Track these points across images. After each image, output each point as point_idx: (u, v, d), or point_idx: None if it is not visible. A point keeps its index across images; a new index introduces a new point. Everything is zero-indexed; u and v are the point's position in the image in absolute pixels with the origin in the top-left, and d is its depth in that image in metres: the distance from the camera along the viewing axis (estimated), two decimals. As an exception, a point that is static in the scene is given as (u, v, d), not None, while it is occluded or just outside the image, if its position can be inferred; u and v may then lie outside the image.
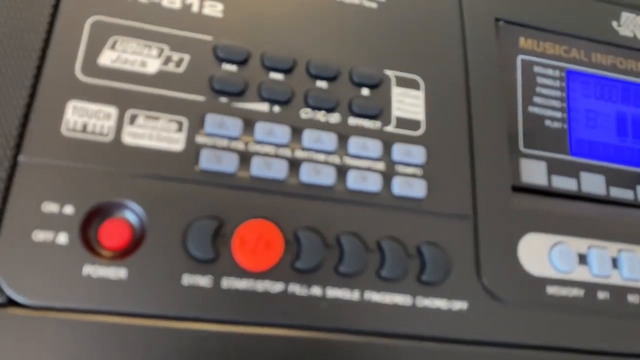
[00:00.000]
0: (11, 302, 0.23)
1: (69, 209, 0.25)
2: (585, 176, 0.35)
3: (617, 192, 0.35)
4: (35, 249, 0.24)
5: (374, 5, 0.34)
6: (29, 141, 0.25)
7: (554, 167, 0.34)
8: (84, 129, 0.26)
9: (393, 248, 0.28)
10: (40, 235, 0.24)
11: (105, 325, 0.24)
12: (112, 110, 0.27)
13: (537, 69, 0.36)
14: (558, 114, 0.35)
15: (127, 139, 0.27)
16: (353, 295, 0.27)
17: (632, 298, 0.31)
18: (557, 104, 0.36)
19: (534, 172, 0.34)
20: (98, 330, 0.24)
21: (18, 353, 0.23)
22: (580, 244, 0.31)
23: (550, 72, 0.36)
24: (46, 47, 0.27)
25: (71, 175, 0.25)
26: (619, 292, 0.31)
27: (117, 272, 0.24)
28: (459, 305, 0.28)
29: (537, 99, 0.36)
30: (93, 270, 0.24)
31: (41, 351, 0.23)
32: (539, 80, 0.36)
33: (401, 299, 0.27)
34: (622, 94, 0.38)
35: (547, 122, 0.35)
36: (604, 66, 0.37)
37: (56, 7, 0.28)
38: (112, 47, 0.28)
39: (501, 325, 0.28)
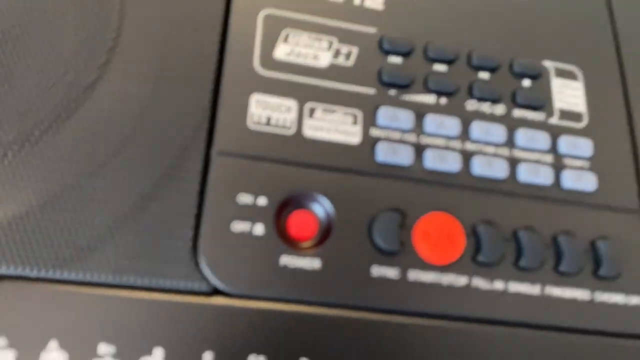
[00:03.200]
0: (216, 291, 0.24)
1: (262, 201, 0.25)
2: None
3: None
4: (235, 239, 0.24)
5: (526, -5, 0.33)
6: (219, 135, 0.26)
7: None
8: (268, 122, 0.27)
9: (569, 243, 0.27)
10: (239, 226, 0.25)
11: (302, 315, 0.24)
12: (292, 104, 0.27)
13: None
14: None
15: (308, 131, 0.27)
16: (534, 289, 0.27)
17: None
18: None
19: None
20: (296, 319, 0.24)
21: (221, 339, 0.23)
22: None
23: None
24: (223, 42, 0.28)
25: (261, 167, 0.26)
26: None
27: (312, 263, 0.25)
28: (636, 300, 0.28)
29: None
30: (289, 260, 0.25)
31: (243, 338, 0.24)
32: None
33: (580, 294, 0.27)
34: None
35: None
36: None
37: (229, 1, 0.29)
38: (285, 40, 0.28)
39: (678, 321, 0.28)
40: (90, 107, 0.25)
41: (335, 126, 0.27)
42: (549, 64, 0.31)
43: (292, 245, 0.25)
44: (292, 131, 0.27)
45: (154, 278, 0.23)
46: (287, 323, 0.24)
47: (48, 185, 0.24)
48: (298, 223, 0.26)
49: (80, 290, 0.23)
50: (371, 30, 0.30)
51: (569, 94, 0.31)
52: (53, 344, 0.22)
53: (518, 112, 0.30)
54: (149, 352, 0.22)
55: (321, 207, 0.26)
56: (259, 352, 0.23)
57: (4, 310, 0.22)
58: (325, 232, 0.26)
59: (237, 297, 0.24)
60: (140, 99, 0.26)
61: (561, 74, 0.31)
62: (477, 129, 0.29)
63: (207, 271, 0.24)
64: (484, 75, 0.30)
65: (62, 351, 0.22)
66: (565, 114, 0.30)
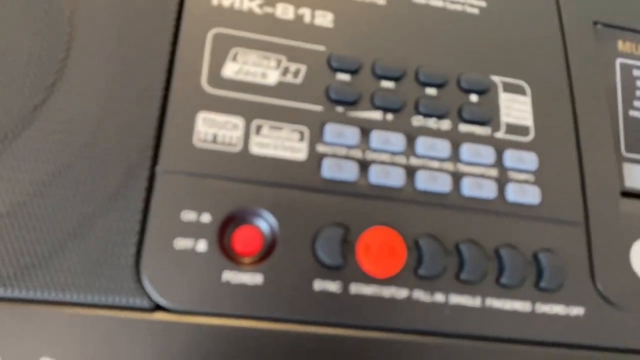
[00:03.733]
0: (157, 307, 0.24)
1: (206, 217, 0.26)
2: (689, 180, 0.34)
3: None
4: (177, 256, 0.25)
5: (475, 11, 0.34)
6: (164, 153, 0.27)
7: (659, 172, 0.34)
8: (214, 139, 0.27)
9: (511, 255, 0.28)
10: (181, 243, 0.25)
11: (244, 330, 0.25)
12: (239, 121, 0.28)
13: (636, 72, 0.36)
14: (660, 117, 0.35)
15: (255, 148, 0.28)
16: (475, 302, 0.27)
17: None
18: (658, 107, 0.35)
19: (638, 176, 0.34)
20: (237, 334, 0.25)
21: (163, 355, 0.24)
22: (691, 250, 0.31)
23: (651, 74, 0.36)
24: (172, 60, 0.28)
25: (205, 184, 0.26)
26: None
27: (253, 278, 0.25)
28: (576, 310, 0.28)
29: (637, 103, 0.35)
30: (232, 276, 0.25)
31: (184, 353, 0.24)
32: (639, 83, 0.36)
33: (520, 305, 0.28)
34: None
35: (650, 126, 0.35)
36: None
37: (178, 21, 0.29)
38: (234, 58, 0.29)
39: (618, 331, 0.28)
40: (38, 127, 0.26)
41: (281, 143, 0.28)
42: (496, 79, 0.32)
43: (235, 261, 0.26)
44: (238, 148, 0.27)
45: (97, 295, 0.24)
46: (229, 338, 0.25)
47: (-6, 204, 0.24)
48: (242, 238, 0.26)
49: (23, 308, 0.23)
50: (320, 48, 0.30)
51: (516, 109, 0.32)
52: (-6, 361, 0.22)
53: (464, 127, 0.30)
54: (89, 367, 0.23)
55: (265, 223, 0.27)
56: (198, 367, 0.24)
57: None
58: (270, 247, 0.26)
59: (179, 312, 0.25)
60: (88, 119, 0.26)
61: (509, 88, 0.32)
62: (422, 144, 0.29)
63: (149, 287, 0.24)
64: (431, 91, 0.31)
65: (3, 367, 0.22)
66: (512, 128, 0.31)
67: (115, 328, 0.24)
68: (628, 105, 0.35)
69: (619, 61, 0.36)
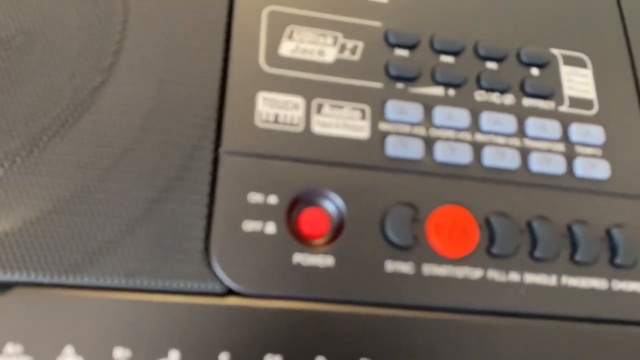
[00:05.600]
0: (230, 292, 0.24)
1: (273, 199, 0.25)
2: None
3: None
4: (247, 239, 0.24)
5: (531, -17, 0.33)
6: (227, 134, 0.26)
7: None
8: (276, 119, 0.26)
9: (584, 231, 0.27)
10: (250, 225, 0.24)
11: (317, 313, 0.24)
12: (300, 100, 0.27)
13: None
14: None
15: (317, 128, 0.27)
16: (550, 280, 0.26)
17: None
18: None
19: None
20: (311, 317, 0.24)
21: (236, 340, 0.23)
22: None
23: None
24: (228, 40, 0.28)
25: (270, 165, 0.26)
26: None
27: (325, 260, 0.25)
28: (654, 288, 0.27)
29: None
30: (303, 258, 0.24)
31: (258, 338, 0.23)
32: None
33: (597, 283, 0.27)
34: None
35: None
36: None
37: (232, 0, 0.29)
38: (290, 37, 0.28)
39: (697, 308, 0.27)
40: (97, 110, 0.25)
41: (343, 122, 0.27)
42: (557, 52, 0.31)
43: (304, 243, 0.25)
44: (300, 128, 0.27)
45: (166, 280, 0.23)
46: (302, 321, 0.24)
47: (57, 190, 0.24)
48: (309, 220, 0.25)
49: (93, 295, 0.23)
50: (376, 24, 0.30)
51: (578, 82, 0.31)
52: (69, 350, 0.22)
53: (527, 102, 0.30)
54: (164, 354, 0.22)
55: (332, 204, 0.26)
56: (275, 352, 0.23)
57: (18, 317, 0.22)
58: (337, 228, 0.26)
59: (251, 297, 0.24)
60: (147, 101, 0.26)
61: (569, 61, 0.31)
62: (487, 119, 0.28)
63: (219, 272, 0.24)
64: (491, 65, 0.30)
65: (78, 357, 0.22)
66: (575, 102, 0.30)
67: (187, 314, 0.23)
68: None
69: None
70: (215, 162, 0.25)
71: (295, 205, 0.26)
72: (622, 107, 0.31)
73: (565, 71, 0.31)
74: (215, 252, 0.24)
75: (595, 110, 0.30)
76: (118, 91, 0.26)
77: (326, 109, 0.27)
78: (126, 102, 0.26)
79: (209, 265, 0.24)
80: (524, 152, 0.28)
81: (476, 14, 0.31)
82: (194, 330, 0.23)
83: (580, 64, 0.31)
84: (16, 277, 0.22)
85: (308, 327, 0.24)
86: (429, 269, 0.25)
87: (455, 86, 0.29)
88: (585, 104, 0.30)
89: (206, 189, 0.25)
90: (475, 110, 0.29)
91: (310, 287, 0.24)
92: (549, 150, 0.29)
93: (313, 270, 0.24)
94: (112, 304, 0.23)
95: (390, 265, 0.25)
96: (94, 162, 0.24)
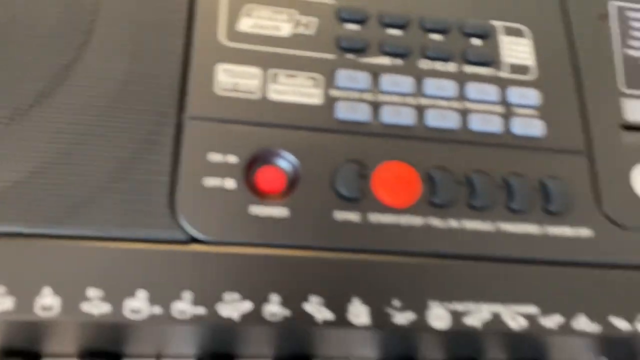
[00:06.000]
0: (192, 240, 0.26)
1: (232, 158, 0.28)
2: (688, 112, 0.36)
3: None
4: (208, 193, 0.27)
5: (474, -39, 0.35)
6: (190, 101, 0.28)
7: (658, 105, 0.35)
8: (235, 88, 0.29)
9: (519, 183, 0.30)
10: (211, 182, 0.27)
11: (272, 258, 0.27)
12: (257, 71, 0.30)
13: (630, 13, 0.38)
14: (658, 54, 0.37)
15: (273, 95, 0.29)
16: (487, 226, 0.29)
17: None
18: (656, 44, 0.37)
19: (637, 110, 0.35)
20: (266, 262, 0.27)
21: (198, 281, 0.26)
22: (693, 174, 0.33)
23: (646, 15, 0.37)
24: (191, 17, 0.30)
25: (229, 128, 0.28)
26: None
27: (280, 211, 0.27)
28: (584, 232, 0.30)
29: (633, 42, 0.37)
30: (259, 210, 0.27)
31: (218, 279, 0.26)
32: (633, 24, 0.37)
33: (531, 228, 0.29)
34: None
35: (647, 63, 0.36)
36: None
37: (195, -18, 0.31)
38: (248, 14, 0.31)
39: (625, 249, 0.30)
40: (71, 83, 0.28)
41: (297, 89, 0.30)
42: (497, 24, 0.34)
43: (261, 197, 0.28)
44: (257, 95, 0.29)
45: (136, 230, 0.26)
46: (257, 264, 0.27)
47: (39, 153, 0.27)
48: (266, 177, 0.28)
49: (70, 244, 0.25)
50: (330, 1, 0.32)
51: (517, 50, 0.33)
52: (47, 291, 0.24)
53: (469, 69, 0.32)
54: (133, 294, 0.25)
55: (287, 162, 0.29)
56: (232, 290, 0.26)
57: (2, 263, 0.24)
58: (292, 184, 0.28)
59: (211, 243, 0.27)
60: (117, 75, 0.29)
61: (509, 32, 0.34)
62: (430, 85, 0.31)
63: (183, 222, 0.26)
64: (436, 37, 0.33)
65: (55, 296, 0.24)
66: (514, 68, 0.33)
67: (155, 259, 0.26)
68: (625, 44, 0.37)
69: (615, 4, 0.37)
70: (180, 126, 0.28)
71: (253, 163, 0.28)
72: (559, 72, 0.33)
73: (505, 41, 0.33)
74: (179, 205, 0.27)
75: (532, 75, 0.33)
76: (90, 65, 0.29)
77: (281, 78, 0.30)
78: (98, 76, 0.28)
79: (174, 217, 0.27)
80: (465, 114, 0.31)
81: (423, -10, 0.34)
82: (159, 273, 0.26)
83: (520, 34, 0.34)
84: (2, 228, 0.25)
85: (263, 268, 0.27)
86: (375, 218, 0.28)
87: (402, 56, 0.32)
88: (524, 69, 0.33)
89: (170, 150, 0.27)
90: (420, 77, 0.31)
91: (266, 234, 0.27)
92: (489, 112, 0.31)
93: (268, 220, 0.27)
94: (87, 251, 0.25)
95: (339, 215, 0.28)
96: (72, 128, 0.27)
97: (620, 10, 0.38)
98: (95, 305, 0.25)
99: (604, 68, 0.35)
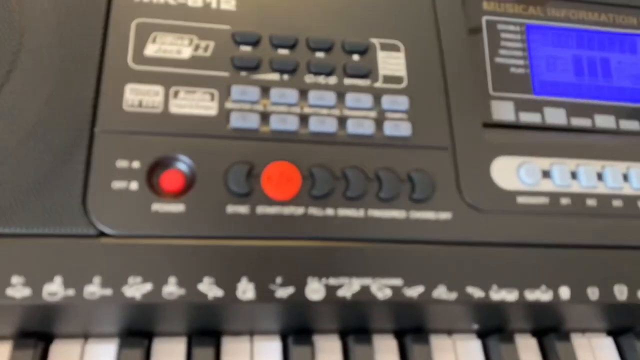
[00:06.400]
0: (102, 234, 0.31)
1: (136, 164, 0.33)
2: (548, 110, 0.42)
3: (577, 121, 0.42)
4: (115, 195, 0.32)
5: (357, -13, 0.41)
6: (100, 117, 0.34)
7: (521, 105, 0.41)
8: (140, 104, 0.34)
9: (388, 176, 0.35)
10: (118, 184, 0.32)
11: (172, 247, 0.32)
12: (159, 89, 0.35)
13: (500, 26, 0.44)
14: (521, 62, 0.43)
15: (174, 109, 0.35)
16: (359, 213, 0.34)
17: (590, 202, 0.38)
18: (519, 53, 0.43)
19: (503, 110, 0.41)
20: (165, 250, 0.32)
21: (106, 268, 0.31)
22: (543, 163, 0.38)
23: (511, 27, 0.43)
24: (104, 45, 0.36)
25: (134, 139, 0.33)
26: (578, 197, 0.38)
27: (177, 207, 0.32)
28: (445, 215, 0.35)
29: (502, 51, 0.43)
30: (159, 207, 0.32)
31: (122, 266, 0.31)
32: (503, 35, 0.43)
33: (397, 214, 0.35)
34: (576, 40, 0.45)
35: (512, 69, 0.42)
36: (558, 18, 0.44)
37: (107, 14, 0.36)
38: (154, 41, 0.36)
39: (480, 229, 0.36)
40: (1, 104, 0.33)
41: (196, 103, 0.35)
42: (375, 41, 0.39)
43: (163, 196, 0.33)
44: (159, 110, 0.34)
45: (54, 227, 0.31)
46: (158, 253, 0.32)
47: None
48: (168, 179, 0.33)
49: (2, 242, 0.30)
50: (226, 27, 0.38)
51: (392, 63, 0.39)
52: (-24, 280, 0.29)
53: (348, 81, 0.38)
54: (51, 279, 0.30)
55: (185, 165, 0.34)
56: (135, 275, 0.31)
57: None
58: (190, 184, 0.33)
59: (118, 237, 0.32)
60: (41, 96, 0.33)
61: (386, 47, 0.39)
62: (313, 96, 0.37)
63: (94, 219, 0.31)
64: (320, 54, 0.38)
65: (-17, 284, 0.29)
66: (388, 79, 0.38)
67: (69, 250, 0.31)
68: (494, 54, 0.42)
69: (485, 18, 0.43)
70: (92, 139, 0.33)
71: (156, 168, 0.33)
72: (427, 80, 0.39)
73: (382, 55, 0.39)
74: (90, 205, 0.32)
75: (404, 84, 0.38)
76: (17, 90, 0.33)
77: (182, 94, 0.35)
78: (24, 98, 0.33)
79: (87, 215, 0.31)
80: (342, 119, 0.36)
81: (310, 13, 0.39)
82: (73, 262, 0.31)
83: (395, 48, 0.39)
84: None
85: (162, 256, 0.32)
86: (262, 209, 0.33)
87: (289, 72, 0.37)
88: (396, 79, 0.38)
89: (84, 159, 0.32)
90: (305, 90, 0.37)
91: (165, 227, 0.32)
92: (364, 117, 0.37)
93: (167, 215, 0.32)
94: (11, 244, 0.30)
95: (231, 208, 0.33)
96: (2, 143, 0.32)
97: (490, 23, 0.43)
98: (18, 289, 0.29)
99: (474, 75, 0.40)
